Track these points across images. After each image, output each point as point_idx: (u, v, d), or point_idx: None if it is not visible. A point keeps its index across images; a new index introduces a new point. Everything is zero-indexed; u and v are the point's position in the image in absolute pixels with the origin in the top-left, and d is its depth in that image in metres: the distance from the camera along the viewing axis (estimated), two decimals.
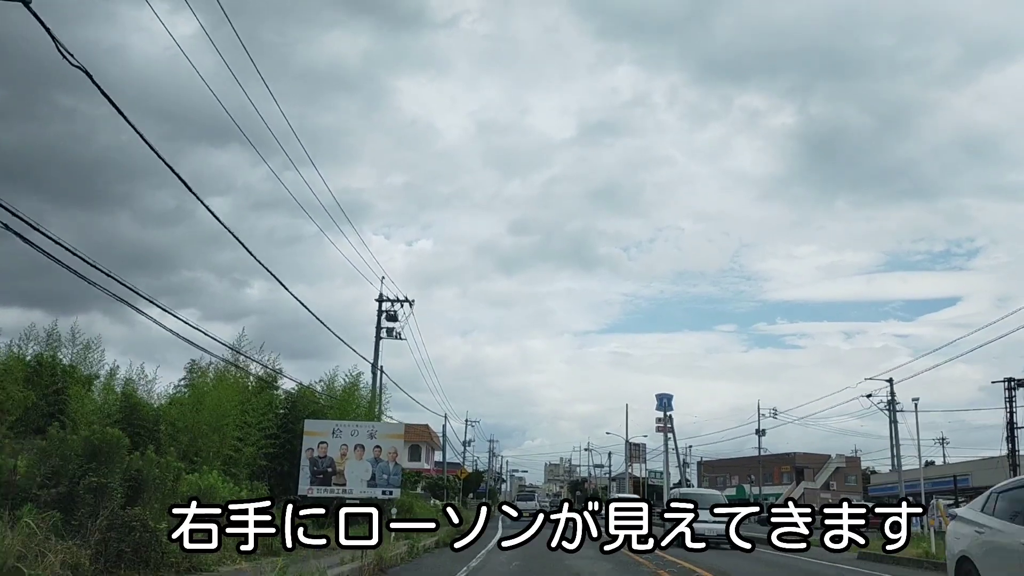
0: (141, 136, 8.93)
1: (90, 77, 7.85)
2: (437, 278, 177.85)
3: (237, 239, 12.92)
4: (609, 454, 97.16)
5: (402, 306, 36.13)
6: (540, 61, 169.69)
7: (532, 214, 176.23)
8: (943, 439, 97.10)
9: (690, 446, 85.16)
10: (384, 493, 26.13)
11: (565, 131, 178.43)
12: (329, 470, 25.89)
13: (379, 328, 35.37)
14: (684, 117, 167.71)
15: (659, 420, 78.83)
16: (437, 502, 58.41)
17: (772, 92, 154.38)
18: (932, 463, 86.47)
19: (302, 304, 20.73)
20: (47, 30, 7.32)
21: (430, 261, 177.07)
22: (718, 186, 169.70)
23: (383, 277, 35.92)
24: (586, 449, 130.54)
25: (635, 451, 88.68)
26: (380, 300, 35.73)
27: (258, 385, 25.65)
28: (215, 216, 11.96)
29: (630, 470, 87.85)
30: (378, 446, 26.62)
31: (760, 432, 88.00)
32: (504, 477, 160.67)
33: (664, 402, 79.55)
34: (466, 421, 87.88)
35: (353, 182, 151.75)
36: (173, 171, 9.54)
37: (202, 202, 10.44)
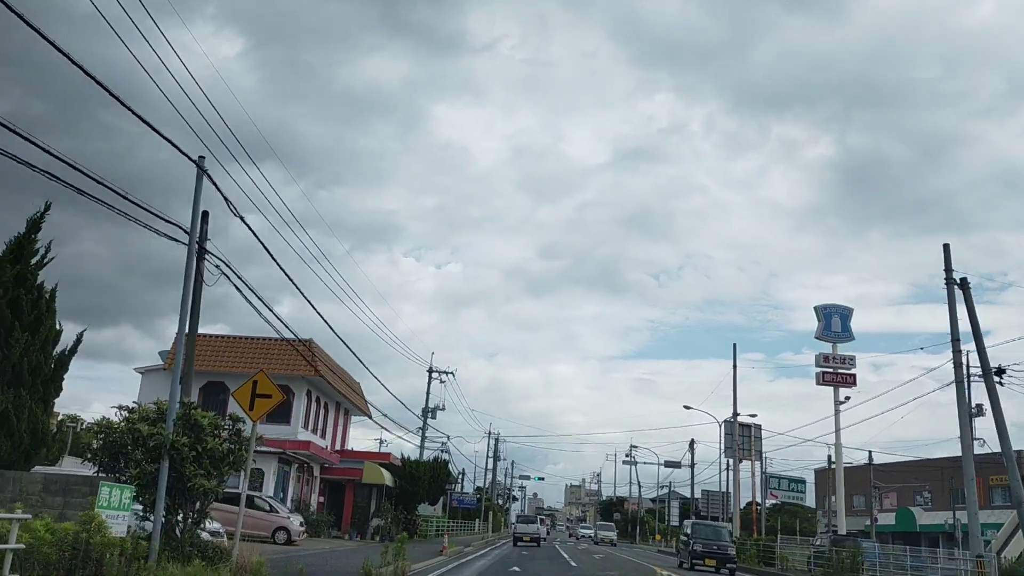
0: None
1: None
2: (465, 300, 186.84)
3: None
4: (691, 444, 55.44)
5: None
6: (577, 87, 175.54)
7: (563, 239, 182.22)
8: None
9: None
10: None
11: (599, 157, 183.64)
12: None
13: None
14: (720, 146, 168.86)
15: (826, 362, 37.95)
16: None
17: (810, 122, 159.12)
18: None
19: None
20: None
21: (459, 283, 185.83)
22: (752, 215, 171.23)
23: None
24: (625, 459, 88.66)
25: (746, 439, 47.42)
26: None
27: None
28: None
29: (732, 475, 46.56)
30: None
31: (972, 410, 46.51)
32: (515, 493, 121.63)
33: (836, 320, 38.67)
34: (429, 372, 47.82)
35: (386, 203, 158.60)
36: None
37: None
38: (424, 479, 38.47)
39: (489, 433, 72.56)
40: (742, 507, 58.32)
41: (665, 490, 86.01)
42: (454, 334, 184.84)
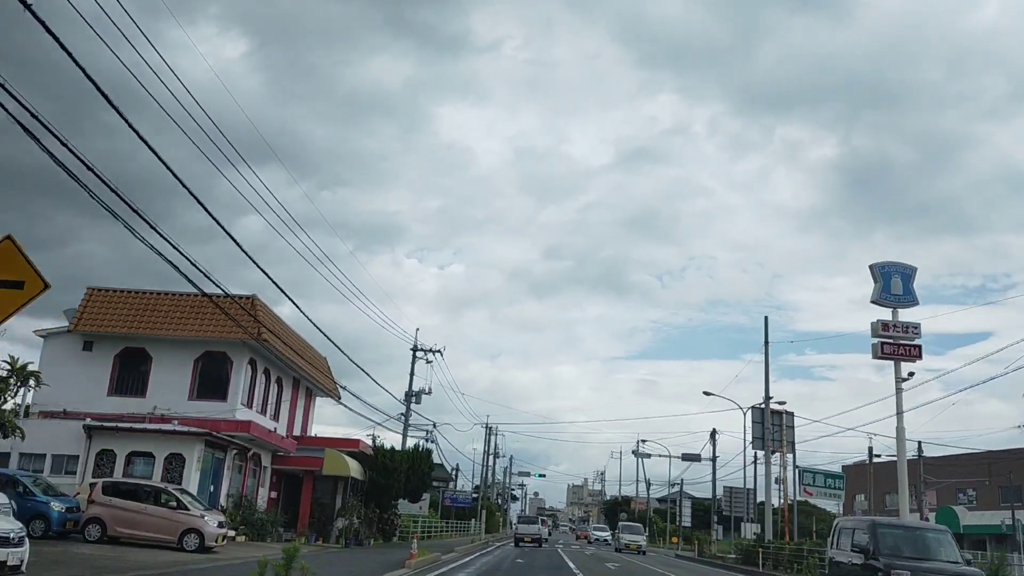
0: None
1: None
2: (468, 302, 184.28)
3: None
4: (712, 433, 48.56)
5: None
6: (580, 88, 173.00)
7: (566, 240, 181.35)
8: None
9: None
10: None
11: (602, 158, 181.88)
12: None
13: None
14: (724, 147, 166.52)
15: (884, 330, 31.81)
16: None
17: (814, 123, 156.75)
18: None
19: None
20: None
21: (461, 285, 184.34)
22: (756, 217, 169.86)
23: None
24: (634, 451, 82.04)
25: (776, 428, 40.87)
26: None
27: None
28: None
29: (762, 468, 40.26)
30: None
31: None
32: (515, 492, 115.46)
33: (896, 281, 32.49)
34: (413, 350, 41.94)
35: (389, 204, 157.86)
36: None
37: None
38: (401, 471, 32.01)
39: (487, 426, 66.11)
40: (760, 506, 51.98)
41: (676, 488, 79.31)
42: (456, 335, 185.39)
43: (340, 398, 35.19)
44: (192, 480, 22.93)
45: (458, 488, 70.71)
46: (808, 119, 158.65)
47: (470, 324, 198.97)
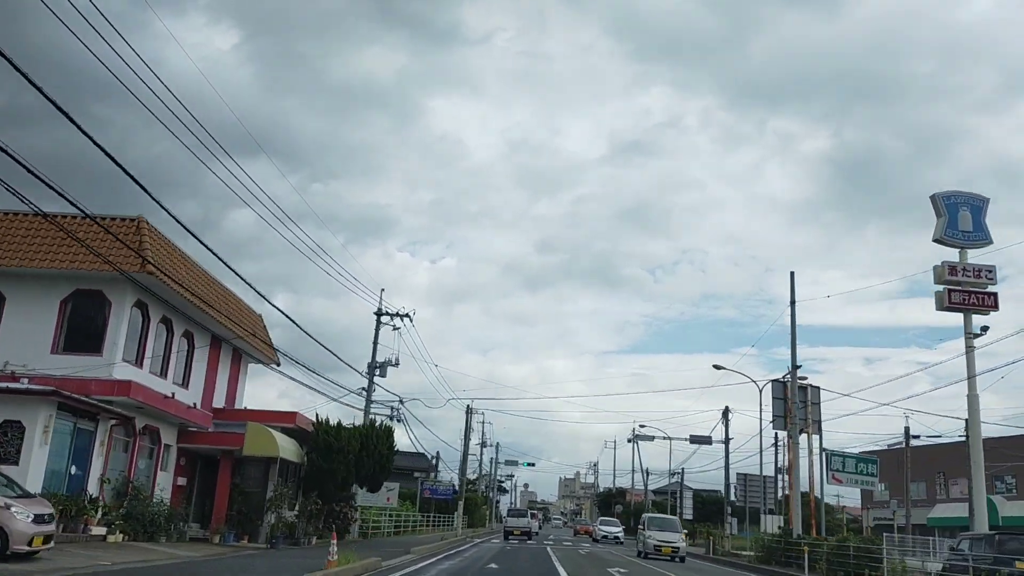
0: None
1: None
2: (460, 295, 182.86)
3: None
4: (725, 412, 42.35)
5: None
6: (573, 81, 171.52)
7: (559, 233, 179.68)
8: None
9: None
10: None
11: (595, 151, 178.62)
12: None
13: None
14: (716, 140, 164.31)
15: (952, 274, 25.60)
16: None
17: (807, 116, 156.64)
18: None
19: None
20: None
21: (454, 278, 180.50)
22: (748, 210, 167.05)
23: None
24: (630, 439, 76.65)
25: (800, 405, 34.64)
26: None
27: None
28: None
29: (781, 453, 34.19)
30: None
31: None
32: (505, 484, 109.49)
33: (965, 214, 26.36)
34: (377, 315, 36.07)
35: (381, 198, 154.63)
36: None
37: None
38: (349, 451, 25.67)
39: (468, 408, 59.68)
40: (779, 497, 45.98)
41: (675, 479, 73.17)
42: (449, 329, 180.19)
43: (279, 363, 28.83)
44: (36, 457, 16.56)
45: (438, 479, 64.48)
46: (800, 112, 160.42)
47: (463, 318, 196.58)
